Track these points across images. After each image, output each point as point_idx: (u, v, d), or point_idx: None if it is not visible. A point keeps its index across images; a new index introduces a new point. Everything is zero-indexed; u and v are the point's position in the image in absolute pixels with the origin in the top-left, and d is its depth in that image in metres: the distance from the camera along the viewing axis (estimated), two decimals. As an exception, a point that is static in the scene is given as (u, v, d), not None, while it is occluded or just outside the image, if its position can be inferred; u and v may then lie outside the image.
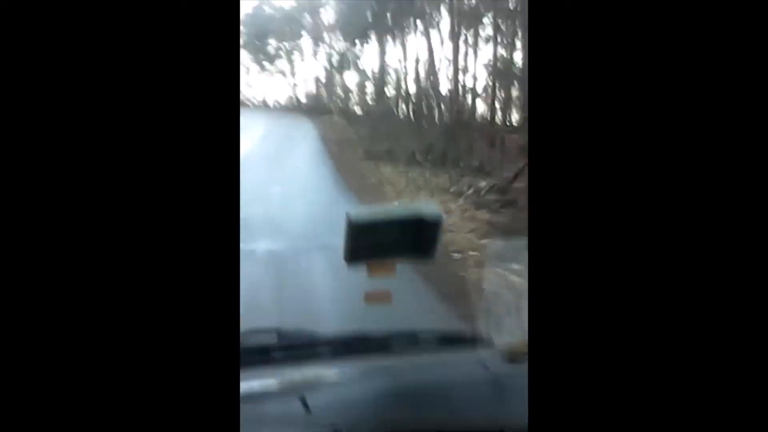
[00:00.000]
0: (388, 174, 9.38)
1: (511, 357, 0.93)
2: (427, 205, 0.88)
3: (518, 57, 11.08)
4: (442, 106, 12.97)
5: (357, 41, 16.90)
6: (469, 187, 7.58)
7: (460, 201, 7.05)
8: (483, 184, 7.54)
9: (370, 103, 17.77)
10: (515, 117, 11.85)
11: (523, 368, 0.91)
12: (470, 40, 12.46)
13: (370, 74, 17.87)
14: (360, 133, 13.93)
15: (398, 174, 9.37)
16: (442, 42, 13.22)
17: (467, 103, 12.21)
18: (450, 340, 1.10)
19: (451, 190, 7.82)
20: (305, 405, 0.78)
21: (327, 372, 0.93)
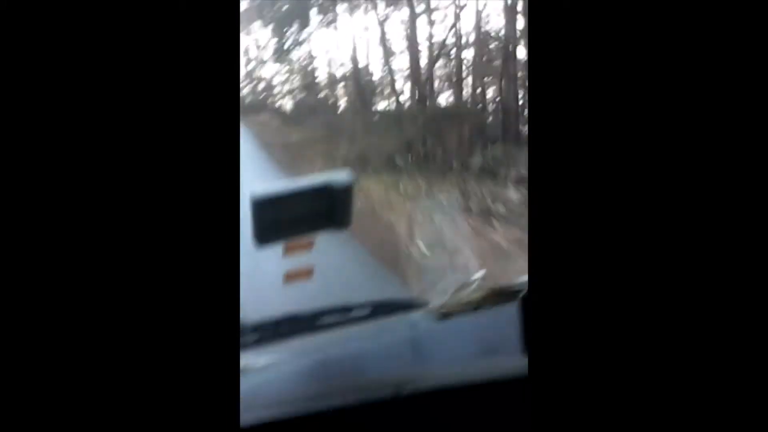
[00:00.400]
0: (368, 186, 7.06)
1: (441, 314, 0.91)
2: (336, 173, 0.82)
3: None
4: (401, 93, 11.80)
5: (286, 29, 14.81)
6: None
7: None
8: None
9: (312, 96, 15.71)
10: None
11: (453, 323, 0.89)
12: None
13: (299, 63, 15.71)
14: (310, 134, 12.00)
15: (379, 184, 7.17)
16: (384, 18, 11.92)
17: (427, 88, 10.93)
18: (385, 308, 1.07)
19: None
20: None
21: (256, 359, 0.89)
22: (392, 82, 11.80)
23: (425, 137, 8.83)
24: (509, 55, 9.33)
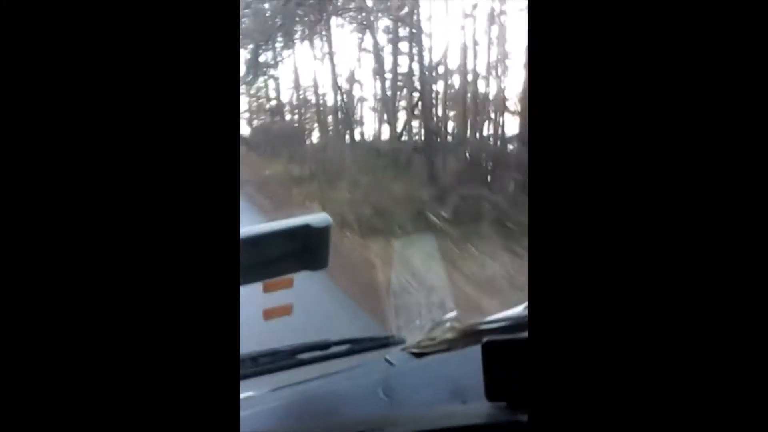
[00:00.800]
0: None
1: (415, 354, 0.94)
2: (315, 215, 0.87)
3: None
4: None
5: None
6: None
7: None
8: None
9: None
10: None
11: (426, 361, 0.92)
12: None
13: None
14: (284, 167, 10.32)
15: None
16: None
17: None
18: (362, 345, 1.10)
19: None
20: None
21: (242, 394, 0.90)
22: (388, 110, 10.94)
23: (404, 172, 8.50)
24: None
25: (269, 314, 0.91)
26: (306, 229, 0.84)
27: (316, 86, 12.51)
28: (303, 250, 0.85)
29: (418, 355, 0.98)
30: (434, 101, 9.75)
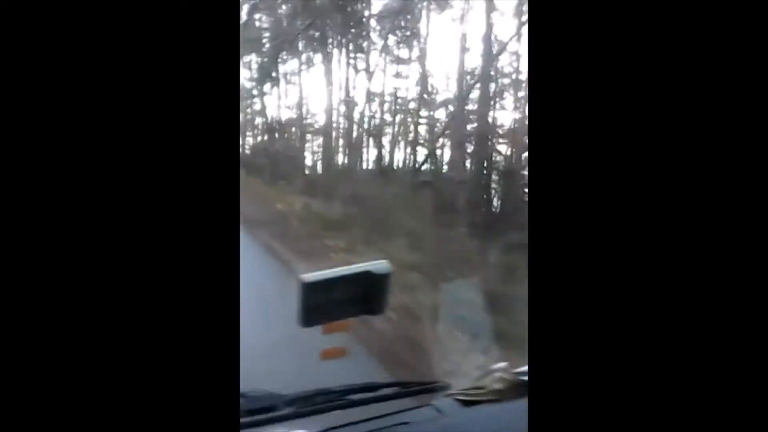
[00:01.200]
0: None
1: (465, 399, 0.96)
2: (376, 262, 0.92)
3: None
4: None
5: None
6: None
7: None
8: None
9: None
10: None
11: (476, 412, 0.94)
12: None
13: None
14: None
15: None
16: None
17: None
18: (409, 388, 1.12)
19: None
20: None
21: (289, 431, 0.94)
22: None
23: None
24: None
25: (326, 355, 0.95)
26: (368, 275, 0.89)
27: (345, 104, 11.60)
28: (364, 295, 0.90)
29: (466, 403, 1.00)
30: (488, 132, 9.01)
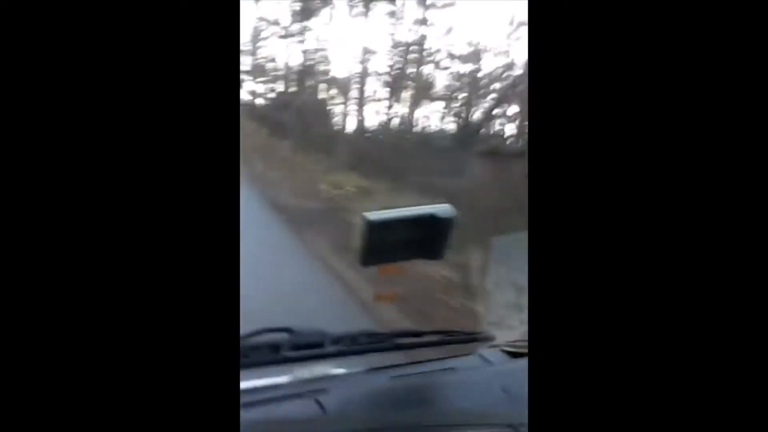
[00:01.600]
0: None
1: (513, 351, 0.96)
2: (440, 206, 0.90)
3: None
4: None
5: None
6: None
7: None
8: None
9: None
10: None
11: (523, 363, 0.94)
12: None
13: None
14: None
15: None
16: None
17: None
18: (454, 337, 1.13)
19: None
20: (320, 405, 0.81)
21: (337, 370, 0.96)
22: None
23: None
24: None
25: (379, 298, 0.96)
26: (431, 218, 0.86)
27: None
28: (425, 238, 0.88)
29: (513, 355, 1.00)
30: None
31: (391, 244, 0.87)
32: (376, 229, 0.83)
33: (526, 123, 8.62)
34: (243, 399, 0.80)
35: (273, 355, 0.92)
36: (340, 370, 0.96)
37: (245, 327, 0.95)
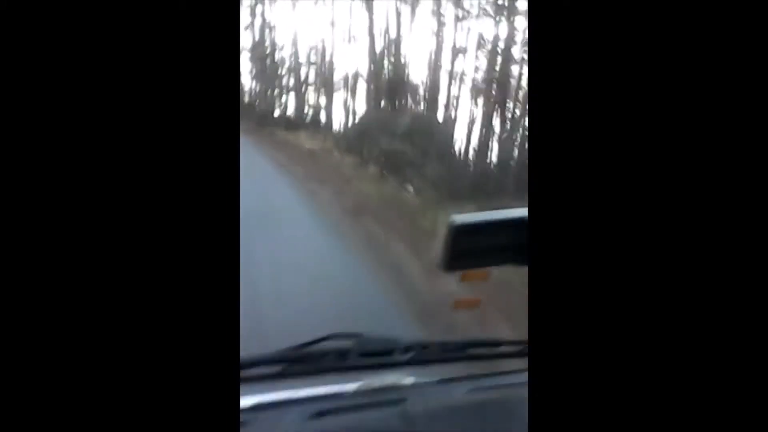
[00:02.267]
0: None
1: None
2: None
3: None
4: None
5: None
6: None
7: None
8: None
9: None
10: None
11: None
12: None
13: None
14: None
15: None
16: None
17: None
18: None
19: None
20: (401, 416, 0.79)
21: (407, 379, 0.92)
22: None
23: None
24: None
25: (460, 305, 0.92)
26: (522, 222, 0.76)
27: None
28: (515, 244, 0.79)
29: None
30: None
31: (479, 248, 0.81)
32: (462, 232, 0.77)
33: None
34: (312, 406, 0.78)
35: (340, 362, 0.90)
36: (411, 380, 0.93)
37: (317, 334, 0.94)
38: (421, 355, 0.97)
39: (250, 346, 0.75)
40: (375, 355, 0.93)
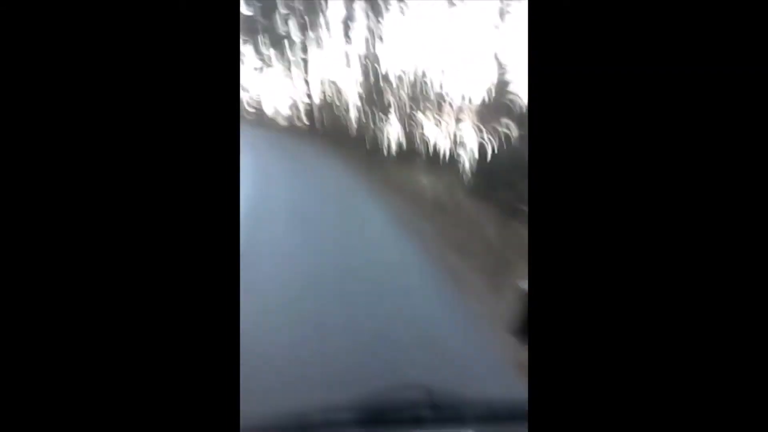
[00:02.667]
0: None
1: None
2: None
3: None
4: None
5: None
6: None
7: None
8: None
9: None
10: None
11: None
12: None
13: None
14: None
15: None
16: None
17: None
18: None
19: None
20: None
21: None
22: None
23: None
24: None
25: (523, 368, 0.85)
26: None
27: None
28: None
29: None
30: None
31: None
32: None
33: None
34: None
35: (408, 413, 0.89)
36: None
37: (392, 381, 0.92)
38: (489, 414, 0.94)
39: (351, 389, 0.77)
40: (444, 409, 0.92)
